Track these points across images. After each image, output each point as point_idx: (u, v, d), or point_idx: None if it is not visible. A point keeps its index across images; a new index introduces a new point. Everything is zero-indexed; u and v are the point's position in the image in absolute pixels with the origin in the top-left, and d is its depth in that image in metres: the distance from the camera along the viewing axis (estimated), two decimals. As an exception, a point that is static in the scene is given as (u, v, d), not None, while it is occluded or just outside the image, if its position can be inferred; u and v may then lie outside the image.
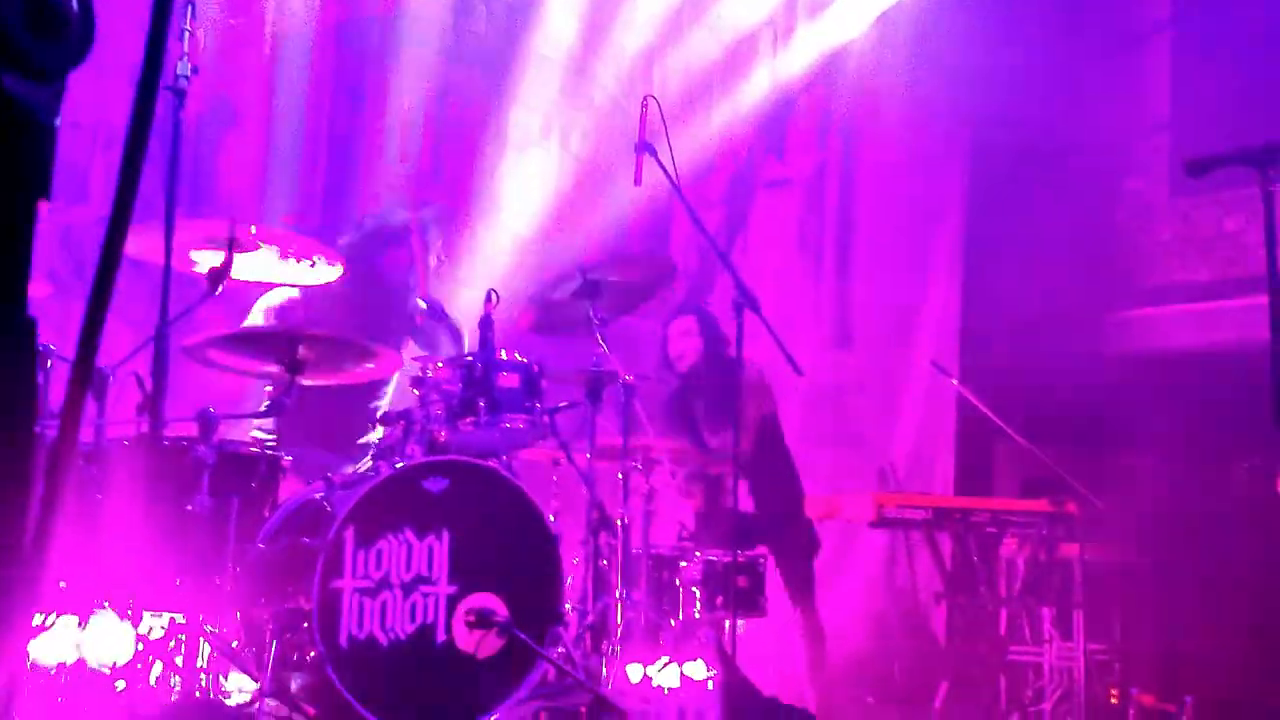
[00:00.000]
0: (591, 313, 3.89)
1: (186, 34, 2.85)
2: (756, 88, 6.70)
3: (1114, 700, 4.89)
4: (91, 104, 4.41)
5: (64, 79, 0.73)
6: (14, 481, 0.70)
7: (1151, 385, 5.86)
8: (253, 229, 3.05)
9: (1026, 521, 4.88)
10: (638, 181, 3.99)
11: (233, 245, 2.98)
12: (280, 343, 3.15)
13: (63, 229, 4.47)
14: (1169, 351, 6.19)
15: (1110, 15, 6.75)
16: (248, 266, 3.18)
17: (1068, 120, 6.59)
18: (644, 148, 3.93)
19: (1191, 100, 6.40)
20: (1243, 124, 5.25)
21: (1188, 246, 6.53)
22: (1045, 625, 4.91)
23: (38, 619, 3.11)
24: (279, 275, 3.34)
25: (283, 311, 4.03)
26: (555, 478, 4.31)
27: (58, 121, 0.73)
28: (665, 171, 3.96)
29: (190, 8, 2.89)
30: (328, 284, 3.98)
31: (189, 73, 2.82)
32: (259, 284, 3.56)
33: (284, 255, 3.18)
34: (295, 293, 4.12)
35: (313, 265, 3.24)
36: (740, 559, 3.99)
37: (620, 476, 3.92)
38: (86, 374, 0.74)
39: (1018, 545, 4.90)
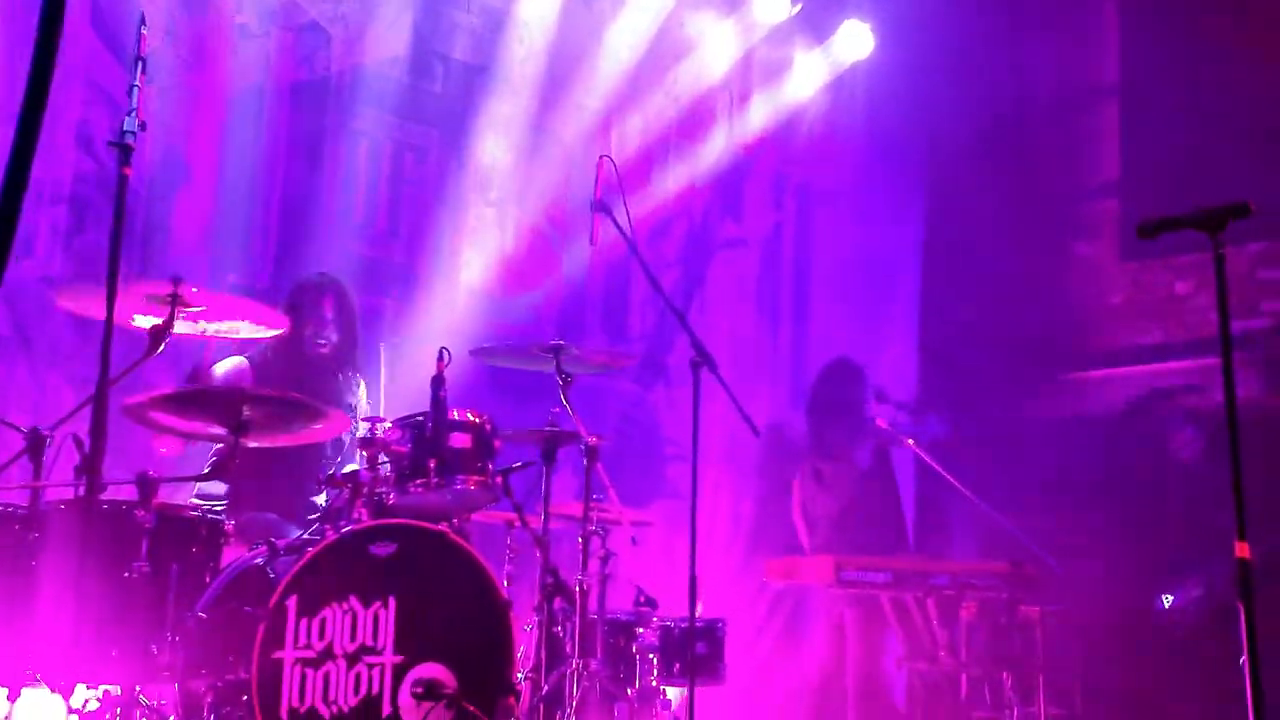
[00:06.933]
0: (556, 372, 3.84)
1: (135, 90, 2.80)
2: (713, 149, 6.76)
3: (1075, 766, 4.83)
4: (37, 161, 4.33)
5: None
6: None
7: (1104, 446, 5.89)
8: (194, 289, 2.98)
9: (987, 584, 4.85)
10: (594, 241, 3.98)
11: (175, 303, 2.90)
12: (224, 403, 3.07)
13: (3, 286, 4.35)
14: (1121, 412, 6.24)
15: (1060, 78, 6.90)
16: (191, 322, 3.11)
17: (1019, 183, 6.70)
18: (599, 207, 3.93)
19: (1140, 163, 6.54)
20: (1190, 187, 5.36)
21: (1137, 309, 6.63)
22: (1006, 690, 4.85)
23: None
24: (224, 329, 3.25)
25: (232, 377, 3.95)
26: (510, 540, 4.22)
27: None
28: (621, 231, 3.95)
29: (140, 64, 2.85)
30: (268, 351, 3.89)
31: (136, 129, 2.77)
32: (203, 340, 3.45)
33: (226, 317, 3.10)
34: (243, 360, 4.03)
35: (254, 322, 3.17)
36: (699, 624, 3.91)
37: (581, 540, 3.85)
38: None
39: (978, 608, 4.86)
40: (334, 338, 4.08)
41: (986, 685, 4.88)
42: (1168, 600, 4.79)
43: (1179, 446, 5.23)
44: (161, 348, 2.93)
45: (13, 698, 2.92)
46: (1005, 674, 4.80)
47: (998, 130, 6.64)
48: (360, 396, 4.22)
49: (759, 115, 6.90)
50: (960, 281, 6.45)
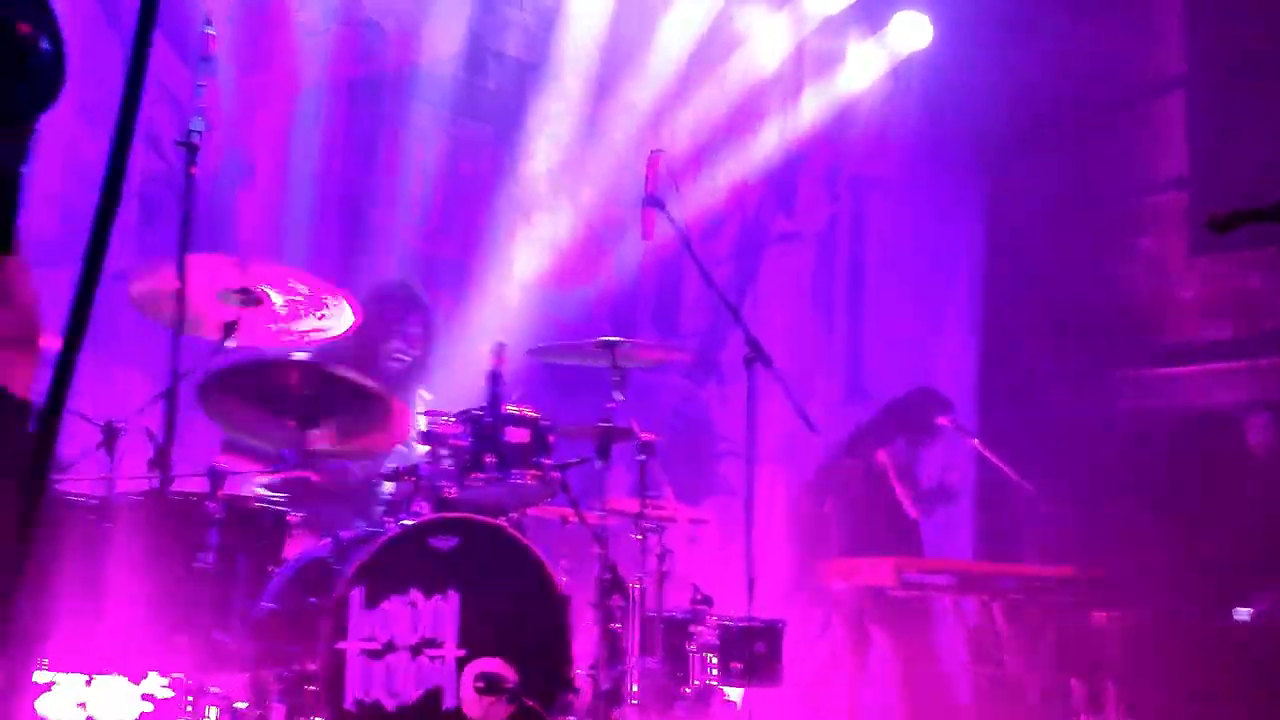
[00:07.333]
0: (611, 368, 3.83)
1: (201, 90, 2.85)
2: (765, 143, 6.71)
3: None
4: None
5: (32, 122, 0.68)
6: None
7: (1174, 444, 5.76)
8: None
9: (1054, 587, 4.72)
10: (646, 236, 3.96)
11: (247, 291, 2.93)
12: (300, 376, 3.09)
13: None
14: (1189, 410, 6.11)
15: (1123, 68, 6.76)
16: (261, 325, 3.13)
17: (1081, 175, 6.58)
18: (652, 202, 3.90)
19: (1209, 156, 6.39)
20: (1262, 180, 5.22)
21: (1207, 305, 6.47)
22: (1075, 696, 4.73)
23: (44, 677, 3.04)
24: (292, 330, 3.27)
25: None
26: (564, 536, 4.22)
27: (24, 167, 0.68)
28: (674, 225, 3.93)
29: (206, 64, 2.89)
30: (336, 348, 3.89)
31: (202, 128, 2.81)
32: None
33: (296, 299, 3.11)
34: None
35: (324, 315, 3.19)
36: (757, 624, 3.87)
37: (638, 537, 3.83)
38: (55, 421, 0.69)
39: (1045, 613, 4.74)
40: (415, 354, 4.07)
41: (1056, 692, 4.77)
42: (1244, 614, 4.67)
43: (1252, 430, 5.10)
44: (233, 341, 2.97)
45: (88, 683, 2.97)
46: (1074, 680, 4.68)
47: (1058, 121, 6.53)
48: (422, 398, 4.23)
49: (811, 108, 6.83)
50: (1021, 275, 6.34)
